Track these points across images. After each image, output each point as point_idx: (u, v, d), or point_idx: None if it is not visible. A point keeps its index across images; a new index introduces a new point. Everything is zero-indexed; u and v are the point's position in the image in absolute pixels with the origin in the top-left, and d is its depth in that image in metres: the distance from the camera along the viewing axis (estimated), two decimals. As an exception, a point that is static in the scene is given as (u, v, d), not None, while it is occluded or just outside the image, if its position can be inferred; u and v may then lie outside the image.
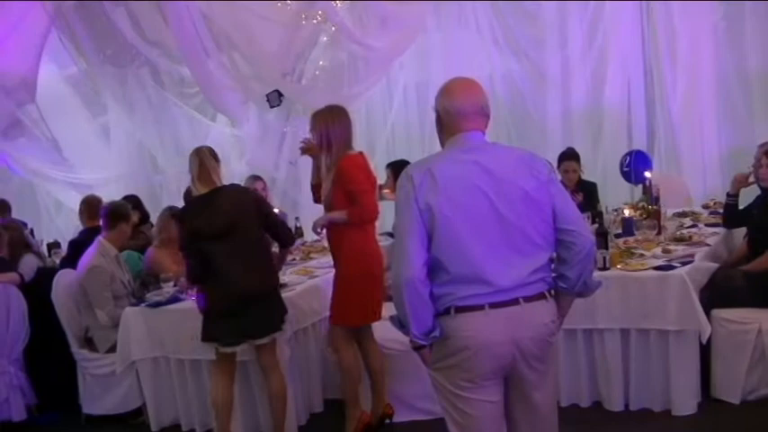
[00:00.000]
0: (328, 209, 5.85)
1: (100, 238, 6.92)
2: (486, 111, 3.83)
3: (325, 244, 7.58)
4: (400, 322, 3.72)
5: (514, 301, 3.62)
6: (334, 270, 5.98)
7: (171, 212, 6.00)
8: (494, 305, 3.60)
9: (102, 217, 7.09)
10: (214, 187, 5.65)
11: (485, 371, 3.66)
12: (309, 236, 8.34)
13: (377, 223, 6.14)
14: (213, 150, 5.85)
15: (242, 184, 8.48)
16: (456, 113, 3.75)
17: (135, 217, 8.25)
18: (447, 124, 3.80)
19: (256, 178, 8.72)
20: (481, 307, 3.60)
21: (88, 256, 6.85)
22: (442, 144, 3.86)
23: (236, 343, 5.60)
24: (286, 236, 6.06)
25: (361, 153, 5.96)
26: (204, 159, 5.67)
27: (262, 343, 5.67)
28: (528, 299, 3.64)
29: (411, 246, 3.59)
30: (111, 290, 6.79)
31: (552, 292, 3.77)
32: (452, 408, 3.77)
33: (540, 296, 3.69)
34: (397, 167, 7.07)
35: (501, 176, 3.66)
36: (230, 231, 5.54)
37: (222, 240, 5.51)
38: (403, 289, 3.60)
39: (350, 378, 5.94)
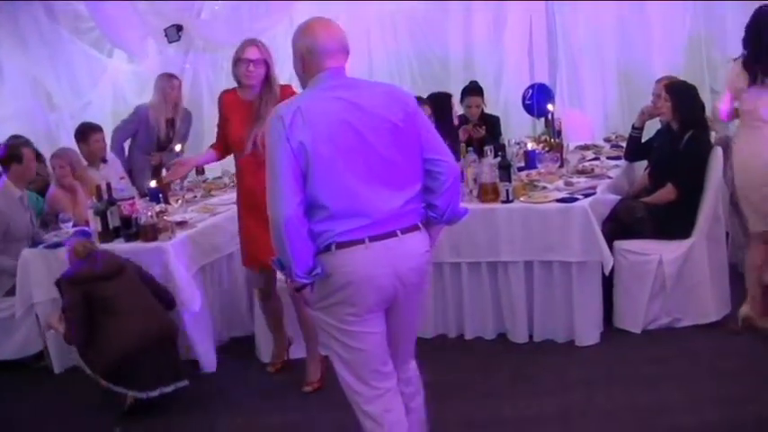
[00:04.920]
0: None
1: (5, 179, 6.75)
2: (348, 47, 3.86)
3: (226, 181, 7.53)
4: (281, 264, 3.71)
5: (392, 234, 3.70)
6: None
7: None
8: (373, 238, 3.66)
9: None
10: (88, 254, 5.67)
11: (369, 303, 3.73)
12: (210, 173, 8.24)
13: None
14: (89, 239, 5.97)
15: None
16: (320, 51, 3.75)
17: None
18: (310, 63, 3.79)
19: (171, 76, 8.56)
20: (361, 241, 3.65)
21: None
22: (304, 85, 3.87)
23: (152, 387, 5.45)
24: (169, 298, 5.87)
25: None
26: (78, 248, 5.68)
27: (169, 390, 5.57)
28: (404, 230, 3.73)
29: (286, 185, 3.57)
30: (9, 232, 6.63)
31: (423, 222, 3.86)
32: (339, 345, 3.83)
33: (415, 227, 3.79)
34: None
35: (369, 110, 3.70)
36: (117, 272, 5.58)
37: (110, 281, 5.51)
38: (283, 228, 3.57)
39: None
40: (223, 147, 5.76)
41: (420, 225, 3.81)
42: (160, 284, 5.81)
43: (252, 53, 5.43)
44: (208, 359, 6.21)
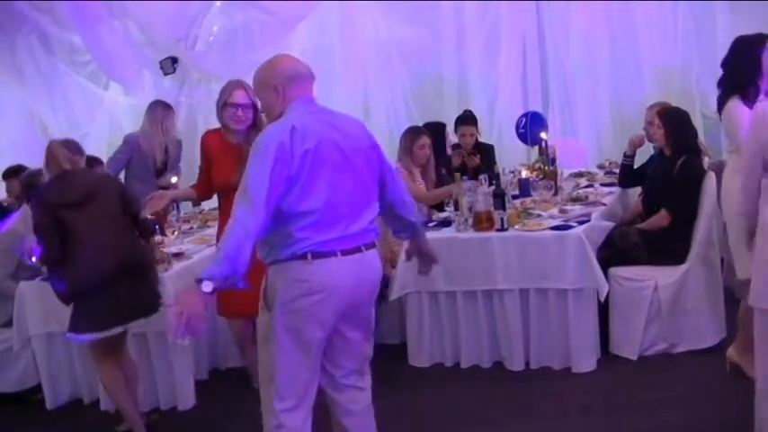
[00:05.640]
0: None
1: (25, 206, 6.77)
2: (314, 75, 4.13)
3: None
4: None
5: (358, 249, 3.98)
6: None
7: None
8: (344, 252, 3.93)
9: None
10: (64, 170, 5.44)
11: (328, 313, 3.95)
12: (206, 204, 8.25)
13: None
14: (71, 142, 5.68)
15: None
16: (297, 76, 4.03)
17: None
18: (287, 90, 3.99)
19: (167, 106, 8.57)
20: (334, 253, 3.90)
21: (10, 221, 6.75)
22: (274, 118, 4.03)
23: (111, 325, 5.37)
24: (145, 227, 5.74)
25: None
26: (54, 149, 5.48)
27: (135, 325, 5.53)
28: (367, 246, 4.03)
29: (261, 199, 3.70)
30: (22, 259, 6.61)
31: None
32: (281, 354, 3.98)
33: (373, 244, 4.10)
34: None
35: (346, 133, 4.01)
36: (88, 199, 5.37)
37: (80, 209, 5.32)
38: (251, 237, 3.66)
39: None
40: (204, 189, 5.65)
41: (377, 243, 4.13)
42: (139, 210, 5.69)
43: (240, 97, 5.30)
44: (186, 397, 6.17)
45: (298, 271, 3.87)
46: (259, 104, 4.76)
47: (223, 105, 5.34)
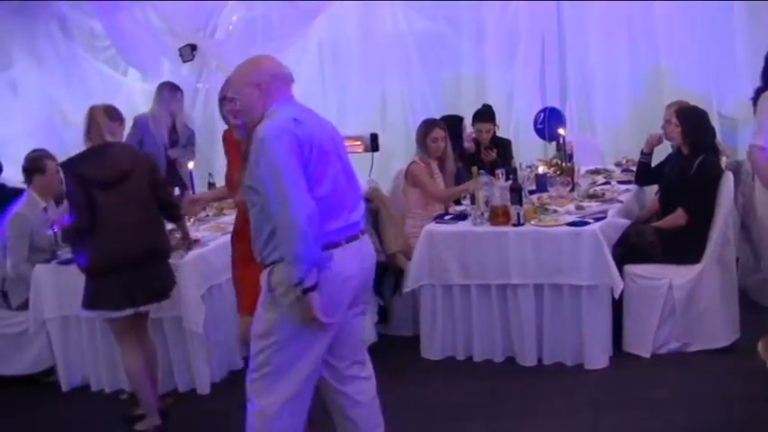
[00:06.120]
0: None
1: (30, 190, 6.80)
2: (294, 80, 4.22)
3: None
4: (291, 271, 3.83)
5: (356, 236, 4.09)
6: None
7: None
8: (348, 239, 4.03)
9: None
10: (104, 142, 5.47)
11: (338, 306, 4.00)
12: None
13: None
14: (112, 109, 5.67)
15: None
16: (281, 77, 4.12)
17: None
18: (274, 88, 4.07)
19: (176, 88, 8.68)
20: (339, 243, 3.97)
21: (17, 205, 6.75)
22: (255, 119, 4.08)
23: (121, 307, 5.37)
24: (173, 210, 5.79)
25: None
26: (96, 116, 5.50)
27: (145, 310, 5.53)
28: (362, 232, 4.16)
29: (301, 188, 3.79)
30: (33, 242, 6.64)
31: None
32: (282, 352, 4.00)
33: (364, 231, 4.20)
34: None
35: (329, 129, 4.16)
36: (120, 181, 5.39)
37: (111, 190, 5.35)
38: (309, 225, 3.74)
39: None
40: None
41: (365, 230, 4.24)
42: (169, 192, 5.70)
43: None
44: (203, 381, 6.21)
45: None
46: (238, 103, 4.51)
47: (222, 100, 5.26)
